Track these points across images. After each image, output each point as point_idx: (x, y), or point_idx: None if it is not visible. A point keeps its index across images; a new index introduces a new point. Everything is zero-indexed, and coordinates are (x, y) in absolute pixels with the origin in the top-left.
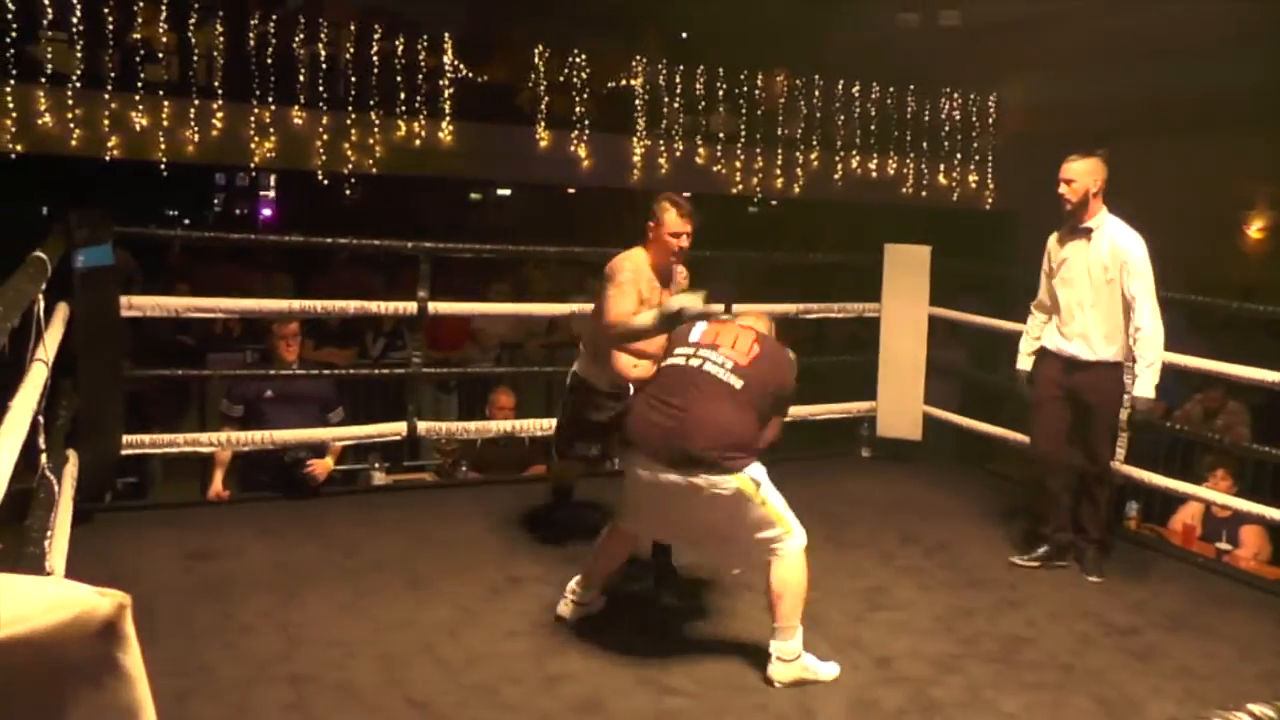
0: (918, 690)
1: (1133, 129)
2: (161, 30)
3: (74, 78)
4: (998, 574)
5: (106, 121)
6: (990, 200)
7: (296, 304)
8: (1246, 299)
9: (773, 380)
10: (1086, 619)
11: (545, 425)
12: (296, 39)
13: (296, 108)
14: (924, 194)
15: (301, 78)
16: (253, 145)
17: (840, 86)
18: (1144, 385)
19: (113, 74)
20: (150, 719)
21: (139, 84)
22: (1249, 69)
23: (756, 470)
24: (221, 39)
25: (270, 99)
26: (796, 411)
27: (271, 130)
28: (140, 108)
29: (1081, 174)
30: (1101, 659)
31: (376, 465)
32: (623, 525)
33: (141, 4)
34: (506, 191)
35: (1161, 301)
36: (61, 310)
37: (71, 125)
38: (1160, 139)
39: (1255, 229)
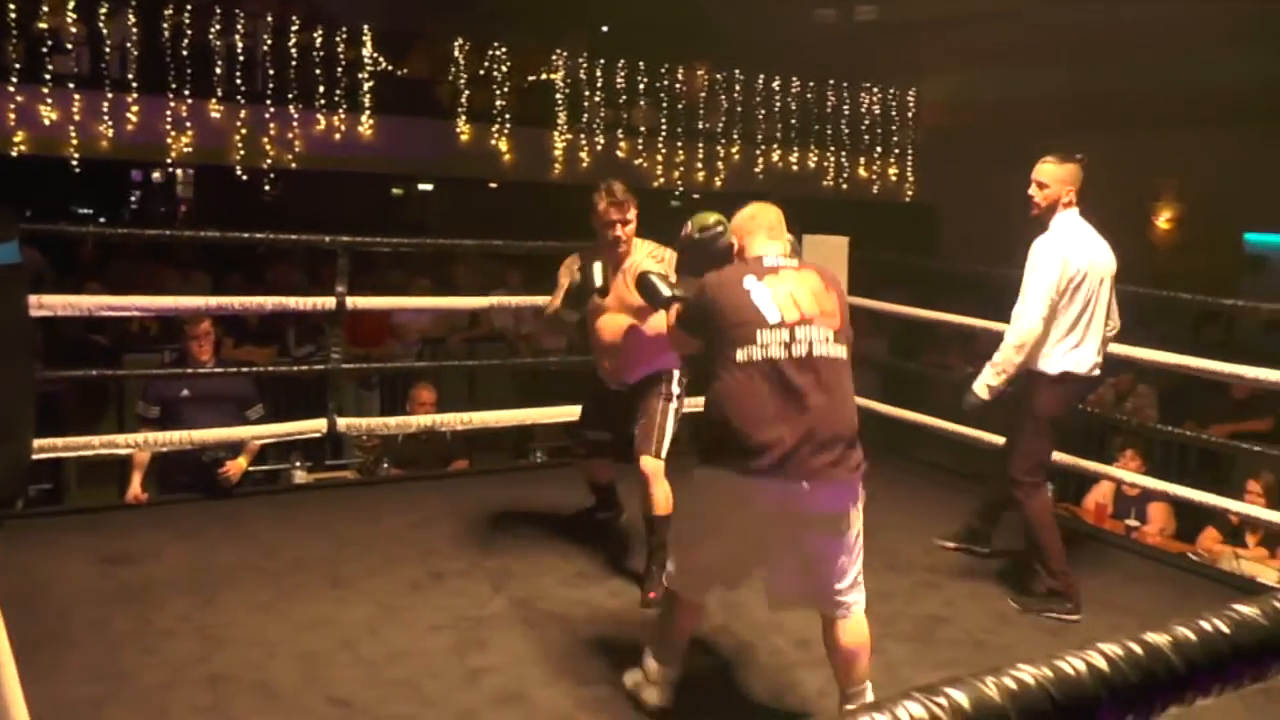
0: None
1: (1047, 125)
2: (70, 20)
3: None
4: (917, 557)
5: (12, 115)
6: (910, 193)
7: (212, 301)
8: (1156, 286)
9: (849, 318)
10: (1003, 598)
11: (466, 420)
12: (212, 30)
13: (214, 101)
14: (845, 187)
15: (218, 70)
16: (169, 140)
17: (761, 80)
18: (978, 382)
19: (18, 65)
20: (7, 673)
21: (47, 76)
22: (1155, 70)
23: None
24: (135, 30)
25: (186, 92)
26: None
27: (188, 124)
28: (49, 101)
29: (1056, 180)
30: (1014, 635)
31: (298, 464)
32: (687, 594)
33: None
34: (428, 186)
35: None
36: None
37: None
38: (1073, 135)
39: (1163, 220)
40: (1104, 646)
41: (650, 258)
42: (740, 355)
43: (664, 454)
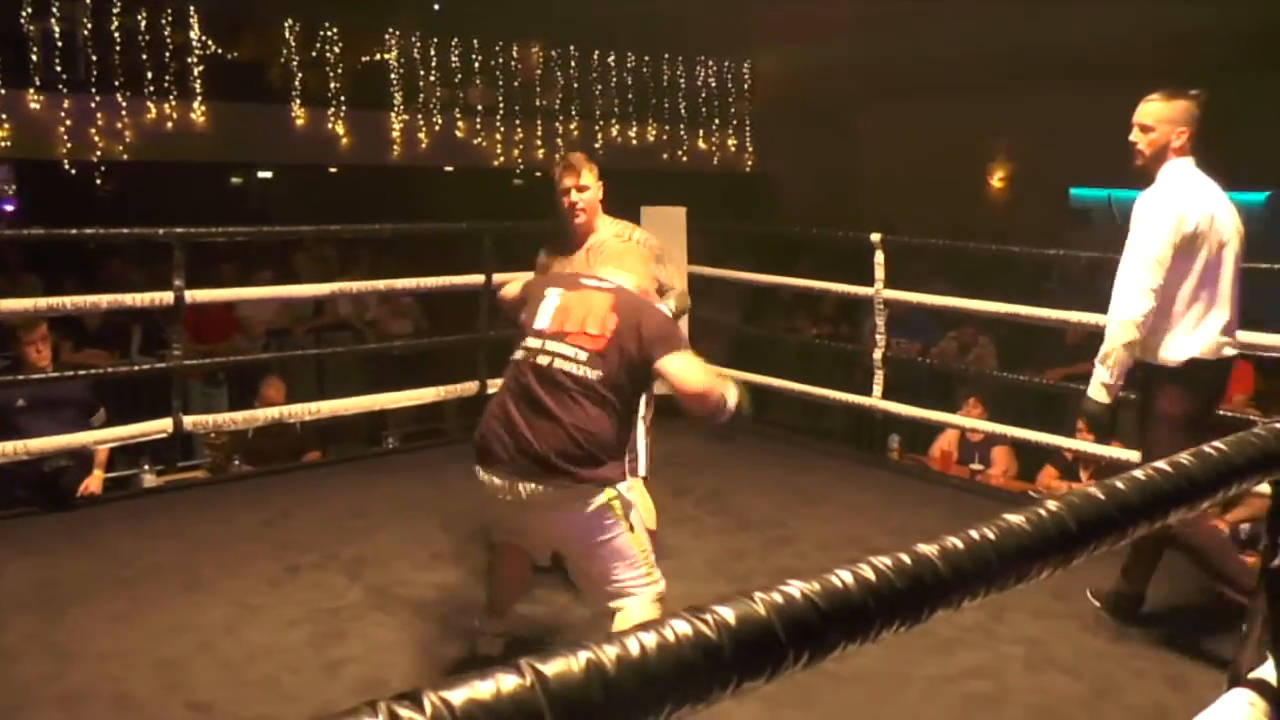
0: None
1: (884, 93)
2: None
3: None
4: (768, 515)
5: None
6: (750, 164)
7: (42, 302)
8: (998, 241)
9: (635, 348)
10: (852, 546)
11: (314, 409)
12: (24, 13)
13: (32, 90)
14: (684, 159)
15: (35, 57)
16: None
17: (596, 56)
18: (1092, 385)
19: None
20: None
21: None
22: (979, 33)
23: (623, 486)
24: None
25: None
26: None
27: (4, 116)
28: None
29: (1164, 120)
30: None
31: (147, 468)
32: (501, 540)
33: None
34: (268, 174)
35: (911, 249)
36: None
37: None
38: (910, 101)
39: (997, 179)
40: (874, 559)
41: (616, 238)
42: (514, 353)
43: (643, 471)
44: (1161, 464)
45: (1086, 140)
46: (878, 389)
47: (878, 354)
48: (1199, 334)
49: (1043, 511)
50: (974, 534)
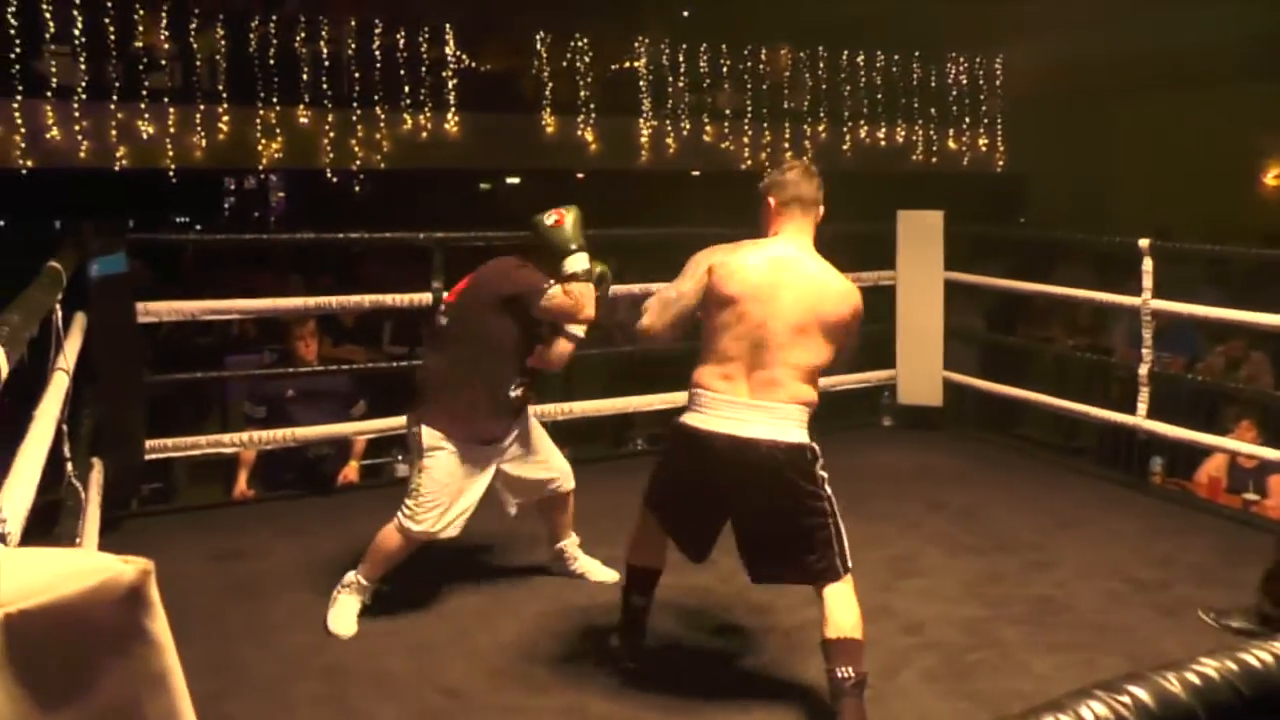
0: (949, 655)
1: (1143, 84)
2: (163, 37)
3: (79, 90)
4: (1025, 537)
5: (114, 132)
6: (1002, 163)
7: (311, 301)
8: (1269, 245)
9: (488, 292)
10: (1115, 576)
11: (566, 409)
12: (298, 38)
13: (301, 107)
14: (935, 160)
15: (305, 76)
16: (260, 147)
17: (845, 57)
18: None
19: (117, 84)
20: (179, 684)
21: (143, 92)
22: (1251, 18)
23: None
24: (223, 43)
25: (275, 100)
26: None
27: (277, 131)
28: (146, 116)
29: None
30: (1131, 616)
31: (400, 458)
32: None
33: (141, 13)
34: (516, 180)
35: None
36: (79, 320)
37: (79, 137)
38: (1172, 92)
39: (1272, 176)
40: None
41: None
42: None
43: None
44: None
45: None
46: (1143, 407)
47: (1144, 370)
48: None
49: None
50: None
